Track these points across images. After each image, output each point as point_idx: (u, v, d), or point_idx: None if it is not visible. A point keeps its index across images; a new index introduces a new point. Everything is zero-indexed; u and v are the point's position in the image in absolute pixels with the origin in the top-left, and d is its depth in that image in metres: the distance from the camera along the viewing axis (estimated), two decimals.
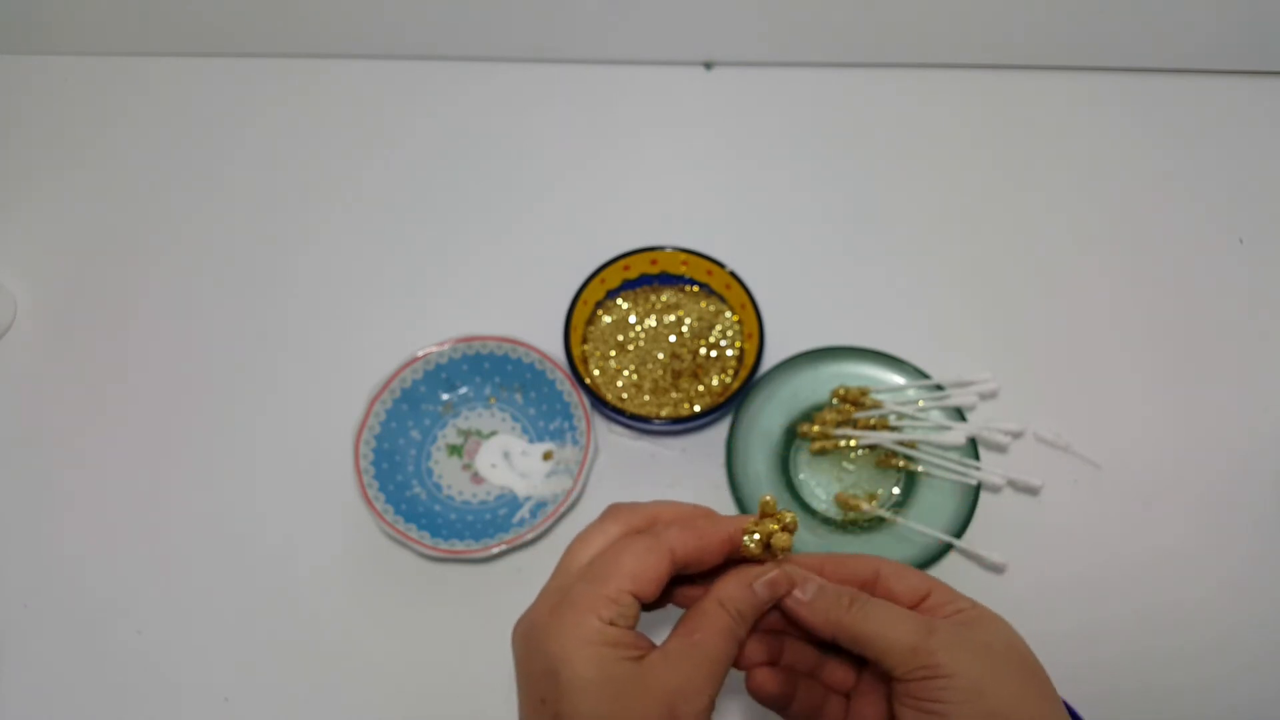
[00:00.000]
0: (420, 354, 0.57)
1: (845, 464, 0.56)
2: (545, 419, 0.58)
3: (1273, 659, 0.51)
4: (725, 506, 0.55)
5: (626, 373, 0.58)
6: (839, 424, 0.56)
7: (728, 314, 0.60)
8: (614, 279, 0.59)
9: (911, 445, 0.55)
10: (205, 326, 0.64)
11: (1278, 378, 0.59)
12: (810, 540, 0.53)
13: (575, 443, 0.56)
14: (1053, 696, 0.35)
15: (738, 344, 0.59)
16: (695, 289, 0.61)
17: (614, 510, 0.38)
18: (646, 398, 0.58)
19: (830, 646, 0.38)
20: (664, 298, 0.61)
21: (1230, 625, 0.52)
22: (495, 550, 0.52)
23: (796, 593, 0.37)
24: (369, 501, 0.53)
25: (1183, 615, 0.52)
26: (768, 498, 0.37)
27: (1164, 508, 0.55)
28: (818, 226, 0.67)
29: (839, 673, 0.39)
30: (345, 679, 0.52)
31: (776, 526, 0.36)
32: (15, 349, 0.63)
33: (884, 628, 0.35)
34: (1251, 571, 0.53)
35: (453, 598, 0.53)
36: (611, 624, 0.33)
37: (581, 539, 0.37)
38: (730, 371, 0.58)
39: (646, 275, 0.60)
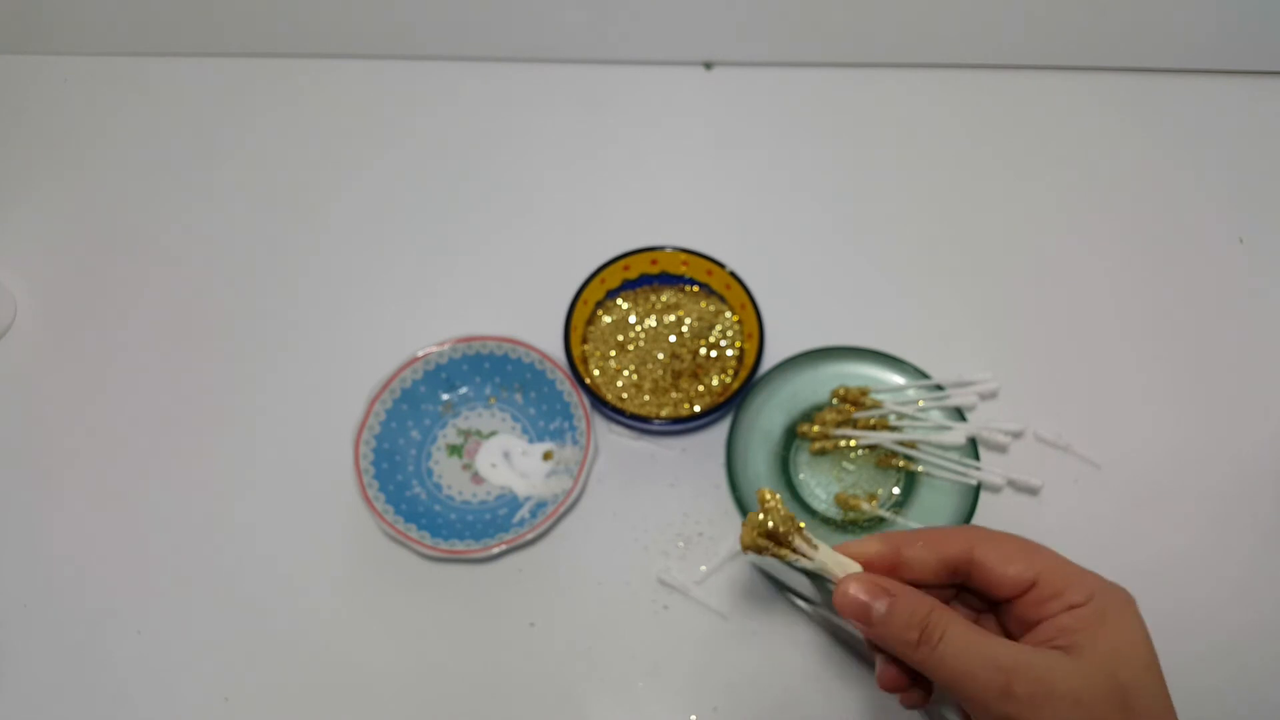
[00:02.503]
0: (420, 354, 0.57)
1: (845, 464, 0.56)
2: (545, 419, 0.58)
3: (1275, 661, 0.51)
4: (725, 506, 0.55)
5: (626, 373, 0.58)
6: (839, 424, 0.56)
7: (728, 314, 0.60)
8: (614, 279, 0.59)
9: (911, 445, 0.55)
10: (205, 326, 0.64)
11: (1278, 378, 0.59)
12: None
13: (575, 443, 0.56)
14: None
15: (738, 344, 0.59)
16: (695, 289, 0.61)
17: None
18: (646, 398, 0.58)
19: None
20: (664, 298, 0.61)
21: (1231, 627, 0.52)
22: (495, 550, 0.52)
23: (858, 624, 0.34)
24: (369, 501, 0.53)
25: (1183, 616, 0.52)
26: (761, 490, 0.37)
27: (1164, 508, 0.55)
28: (818, 226, 0.67)
29: None
30: (345, 679, 0.52)
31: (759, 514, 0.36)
32: (15, 349, 0.63)
33: (953, 679, 0.32)
34: (1252, 572, 0.53)
35: (453, 598, 0.53)
36: None
37: None
38: (730, 371, 0.58)
39: (646, 275, 0.60)
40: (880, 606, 0.33)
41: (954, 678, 0.32)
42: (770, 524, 0.36)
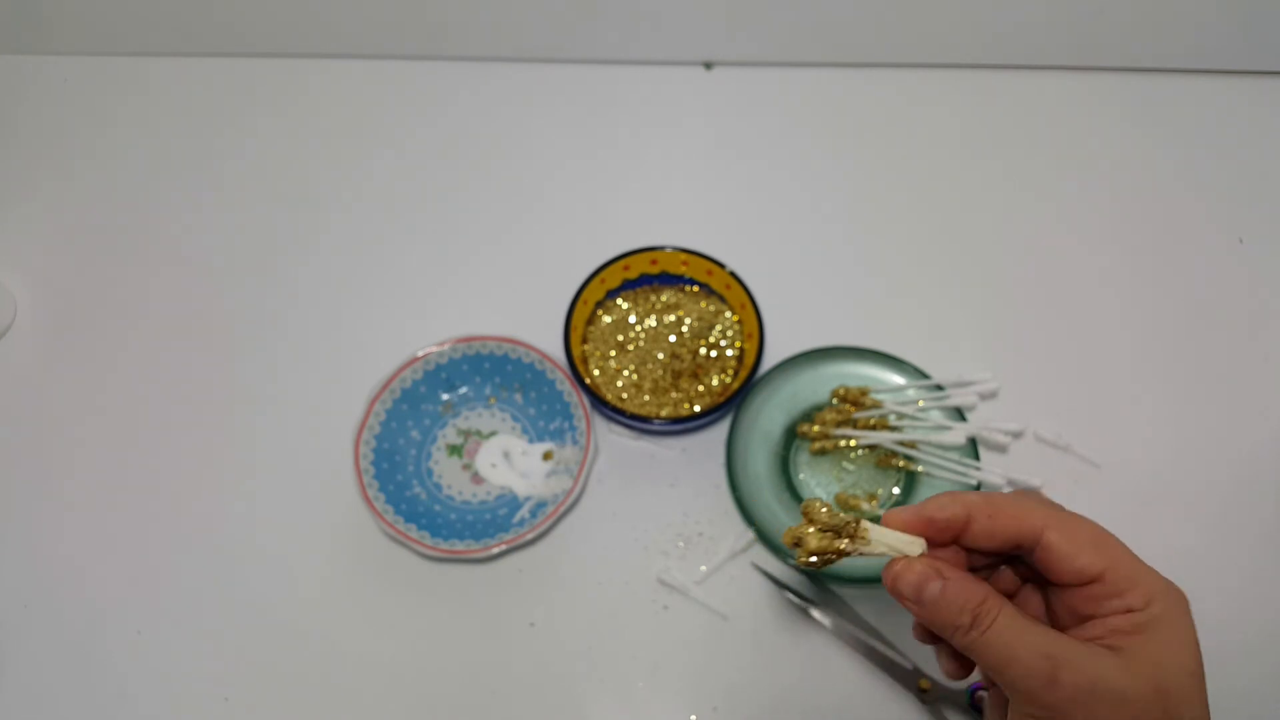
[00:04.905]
0: (420, 354, 0.57)
1: (845, 464, 0.56)
2: (545, 419, 0.58)
3: (1276, 661, 0.51)
4: (725, 506, 0.55)
5: (626, 373, 0.58)
6: (839, 424, 0.56)
7: (728, 314, 0.60)
8: (614, 279, 0.59)
9: (911, 445, 0.55)
10: (205, 327, 0.64)
11: (1278, 378, 0.59)
12: None
13: (575, 443, 0.56)
14: None
15: (738, 344, 0.59)
16: (695, 289, 0.61)
17: None
18: (646, 398, 0.58)
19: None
20: (664, 298, 0.61)
21: (1231, 627, 0.51)
22: (495, 550, 0.52)
23: (909, 603, 0.33)
24: (369, 501, 0.53)
25: None
26: (812, 502, 0.35)
27: (1164, 508, 0.55)
28: (817, 226, 0.67)
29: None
30: (345, 679, 0.52)
31: (808, 529, 0.34)
32: (15, 349, 0.63)
33: (1002, 664, 0.31)
34: (1253, 572, 0.53)
35: (453, 598, 0.53)
36: None
37: None
38: (730, 371, 0.58)
39: (646, 275, 0.60)
40: (934, 589, 0.33)
41: (1001, 663, 0.32)
42: (839, 545, 0.34)
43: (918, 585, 0.33)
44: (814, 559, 0.34)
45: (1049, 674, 0.30)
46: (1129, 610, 0.32)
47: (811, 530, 0.34)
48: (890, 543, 0.34)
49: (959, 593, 0.32)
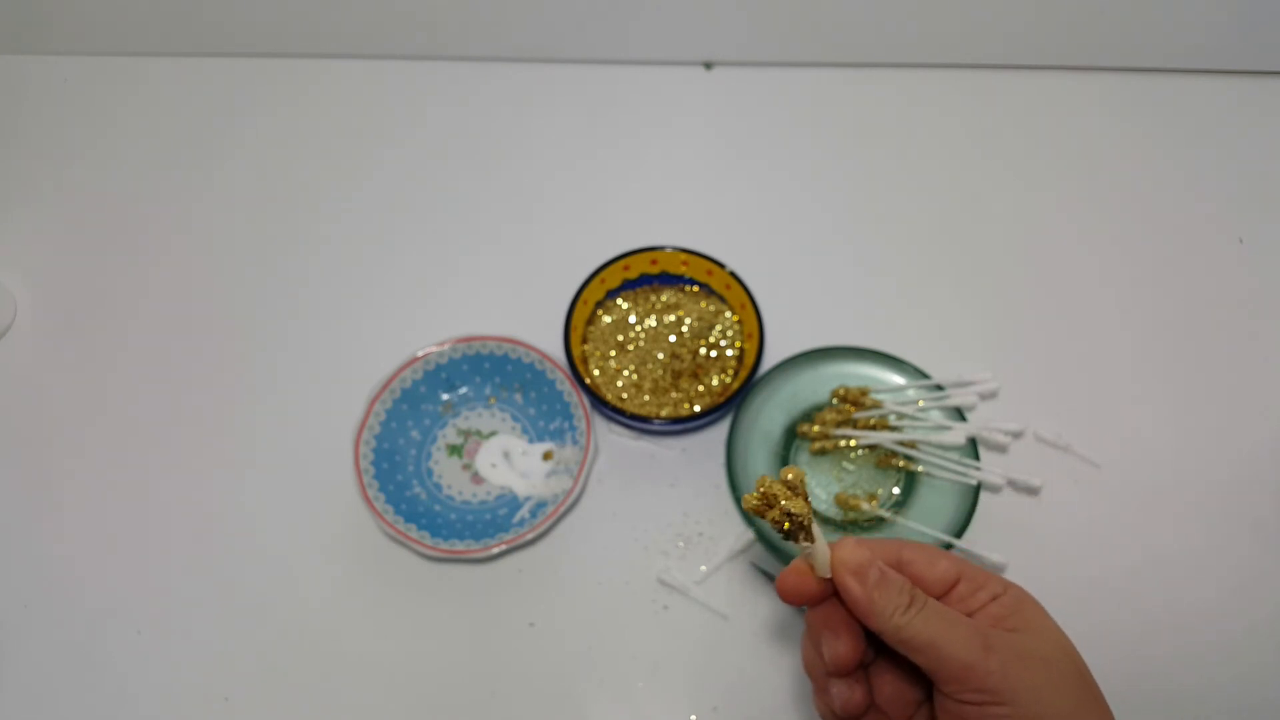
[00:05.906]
0: (420, 354, 0.57)
1: (845, 464, 0.56)
2: (545, 419, 0.58)
3: (1274, 660, 0.51)
4: (725, 506, 0.55)
5: (626, 373, 0.58)
6: (839, 424, 0.56)
7: (728, 314, 0.60)
8: (614, 279, 0.59)
9: (911, 445, 0.55)
10: (205, 327, 0.64)
11: (1277, 378, 0.59)
12: None
13: (575, 443, 0.56)
14: (1104, 708, 0.34)
15: (738, 344, 0.59)
16: (695, 289, 0.61)
17: None
18: (646, 398, 0.58)
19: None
20: (664, 298, 0.61)
21: (1229, 626, 0.52)
22: (495, 550, 0.52)
23: (851, 582, 0.35)
24: (369, 501, 0.53)
25: (1182, 616, 0.52)
26: (763, 479, 0.36)
27: (1164, 508, 0.55)
28: (817, 226, 0.67)
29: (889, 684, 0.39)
30: (345, 679, 0.52)
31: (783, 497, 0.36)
32: (15, 349, 0.63)
33: (939, 639, 0.34)
34: (1251, 572, 0.53)
35: (453, 598, 0.53)
36: None
37: None
38: (730, 371, 0.58)
39: (646, 275, 0.60)
40: (875, 572, 0.35)
41: (937, 638, 0.34)
42: (793, 509, 0.36)
43: (866, 565, 0.36)
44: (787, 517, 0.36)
45: (984, 641, 0.33)
46: (995, 597, 0.36)
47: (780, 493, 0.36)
48: (820, 543, 0.37)
49: (895, 575, 0.36)
